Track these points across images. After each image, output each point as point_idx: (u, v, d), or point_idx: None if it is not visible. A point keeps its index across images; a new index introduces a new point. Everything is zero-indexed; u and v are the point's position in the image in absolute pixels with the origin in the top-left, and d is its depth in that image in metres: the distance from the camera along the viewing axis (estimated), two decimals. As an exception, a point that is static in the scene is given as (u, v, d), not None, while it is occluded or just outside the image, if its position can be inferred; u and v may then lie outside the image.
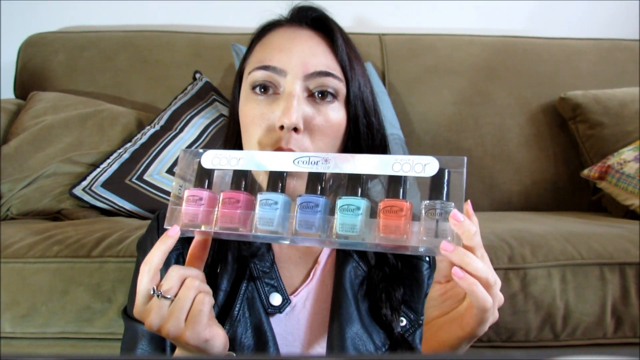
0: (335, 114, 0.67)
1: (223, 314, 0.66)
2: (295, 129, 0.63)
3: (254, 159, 0.59)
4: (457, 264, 0.51)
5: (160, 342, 0.68)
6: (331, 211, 0.56)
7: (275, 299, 0.68)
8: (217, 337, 0.55)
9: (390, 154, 0.75)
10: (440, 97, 1.60)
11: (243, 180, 0.59)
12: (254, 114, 0.66)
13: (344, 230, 0.53)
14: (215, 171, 0.60)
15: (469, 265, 0.50)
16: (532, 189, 1.54)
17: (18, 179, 1.28)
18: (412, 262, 0.73)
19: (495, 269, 0.94)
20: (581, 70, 1.67)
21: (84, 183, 1.28)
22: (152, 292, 0.55)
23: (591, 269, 0.95)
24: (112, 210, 1.25)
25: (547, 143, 1.57)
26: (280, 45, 0.67)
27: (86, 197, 1.26)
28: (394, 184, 0.54)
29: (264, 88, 0.66)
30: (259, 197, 0.57)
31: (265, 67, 0.66)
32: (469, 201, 0.54)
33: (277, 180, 0.58)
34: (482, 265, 0.51)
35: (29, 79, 1.62)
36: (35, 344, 0.95)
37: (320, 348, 0.67)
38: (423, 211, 0.53)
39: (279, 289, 0.69)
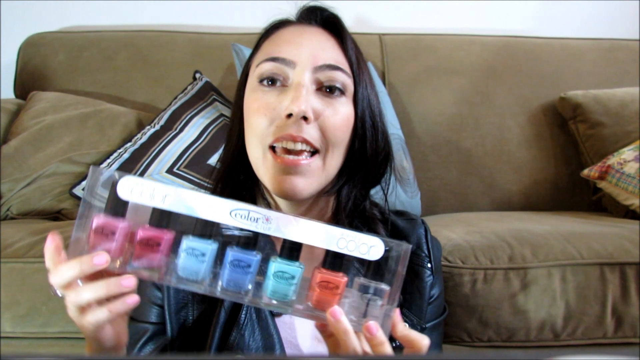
0: (344, 109, 0.66)
1: (231, 319, 0.67)
2: (305, 119, 0.62)
3: (184, 200, 0.50)
4: (339, 339, 0.51)
5: (161, 338, 0.68)
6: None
7: None
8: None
9: (392, 156, 0.75)
10: (440, 97, 1.60)
11: (166, 214, 0.50)
12: (259, 103, 0.65)
13: (275, 297, 0.51)
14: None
15: (346, 347, 0.51)
16: (532, 189, 1.54)
17: (18, 178, 1.28)
18: (415, 270, 0.72)
19: (495, 269, 0.95)
20: (581, 70, 1.67)
21: (84, 183, 1.28)
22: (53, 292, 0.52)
23: (591, 269, 0.95)
24: (112, 210, 1.25)
25: (547, 143, 1.57)
26: (289, 39, 0.67)
27: (86, 197, 1.26)
28: (334, 256, 0.52)
29: (272, 81, 0.65)
30: (185, 242, 0.50)
31: (274, 59, 0.65)
32: (397, 310, 0.53)
33: (208, 225, 0.51)
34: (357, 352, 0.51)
35: (29, 79, 1.62)
36: (35, 344, 0.95)
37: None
38: (356, 289, 0.52)
39: None
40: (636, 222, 1.15)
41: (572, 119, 1.55)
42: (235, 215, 0.50)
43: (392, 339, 0.55)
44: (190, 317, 0.67)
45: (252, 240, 0.51)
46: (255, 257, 0.51)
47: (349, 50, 0.68)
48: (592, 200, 1.50)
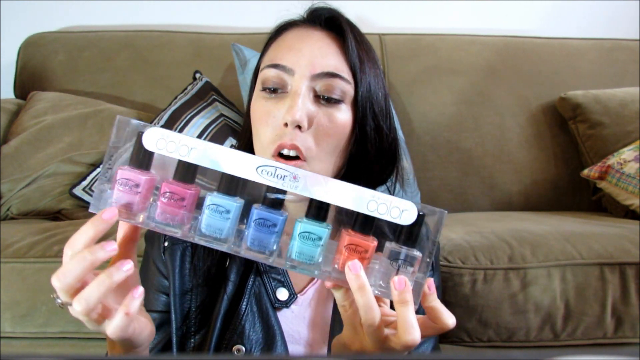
0: (341, 115, 0.67)
1: (232, 307, 0.67)
2: (300, 127, 0.64)
3: (210, 153, 0.48)
4: (356, 299, 0.50)
5: (167, 328, 0.68)
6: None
7: (282, 294, 0.69)
8: (141, 332, 0.53)
9: (400, 158, 0.75)
10: (440, 97, 1.60)
11: (191, 169, 0.49)
12: (261, 111, 0.67)
13: (301, 258, 0.49)
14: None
15: (365, 309, 0.49)
16: (532, 189, 1.54)
17: (18, 179, 1.28)
18: None
19: (495, 269, 0.95)
20: (581, 70, 1.67)
21: (84, 183, 1.28)
22: (53, 298, 0.50)
23: (591, 269, 0.95)
24: (112, 210, 1.25)
25: (547, 143, 1.57)
26: (291, 44, 0.68)
27: (86, 197, 1.26)
28: (364, 218, 0.50)
29: (274, 90, 0.67)
30: (209, 199, 0.49)
31: (275, 66, 0.67)
32: (431, 280, 0.52)
33: (234, 182, 0.49)
34: (368, 306, 0.49)
35: (29, 79, 1.62)
36: (35, 344, 0.95)
37: (324, 348, 0.68)
38: (386, 256, 0.50)
39: (286, 284, 0.69)
40: (636, 222, 1.15)
41: (572, 119, 1.55)
42: (262, 171, 0.48)
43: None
44: (193, 304, 0.68)
45: (278, 201, 0.49)
46: (281, 217, 0.49)
47: (350, 52, 0.68)
48: (592, 200, 1.50)
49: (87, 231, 0.48)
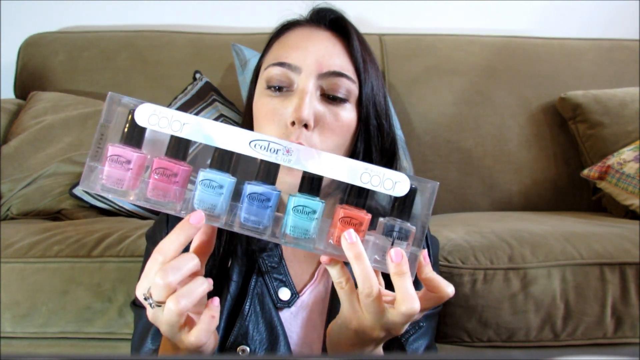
0: (347, 114, 0.67)
1: (235, 308, 0.68)
2: (306, 126, 0.64)
3: (203, 128, 0.48)
4: (354, 269, 0.50)
5: None
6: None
7: (284, 294, 0.69)
8: (209, 343, 0.54)
9: (399, 157, 0.76)
10: (440, 97, 1.60)
11: (183, 146, 0.49)
12: (266, 109, 0.67)
13: (296, 233, 0.49)
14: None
15: (362, 279, 0.49)
16: (532, 189, 1.54)
17: (18, 179, 1.28)
18: None
19: (495, 269, 0.95)
20: (581, 70, 1.67)
21: (84, 183, 1.28)
22: (144, 299, 0.50)
23: (591, 269, 0.95)
24: (112, 210, 1.25)
25: (547, 143, 1.57)
26: (297, 43, 0.69)
27: (86, 197, 1.26)
28: (358, 192, 0.50)
29: (279, 88, 0.67)
30: (202, 174, 0.48)
31: (281, 64, 0.67)
32: (425, 251, 0.52)
33: (227, 157, 0.49)
34: (366, 274, 0.49)
35: (29, 79, 1.62)
36: (35, 344, 0.95)
37: (320, 347, 0.68)
38: (381, 231, 0.50)
39: (287, 284, 0.70)
40: (636, 222, 1.15)
41: (572, 119, 1.55)
42: (255, 146, 0.48)
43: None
44: None
45: (271, 176, 0.49)
46: (274, 191, 0.49)
47: (355, 53, 0.69)
48: (592, 200, 1.50)
49: (178, 238, 0.48)
